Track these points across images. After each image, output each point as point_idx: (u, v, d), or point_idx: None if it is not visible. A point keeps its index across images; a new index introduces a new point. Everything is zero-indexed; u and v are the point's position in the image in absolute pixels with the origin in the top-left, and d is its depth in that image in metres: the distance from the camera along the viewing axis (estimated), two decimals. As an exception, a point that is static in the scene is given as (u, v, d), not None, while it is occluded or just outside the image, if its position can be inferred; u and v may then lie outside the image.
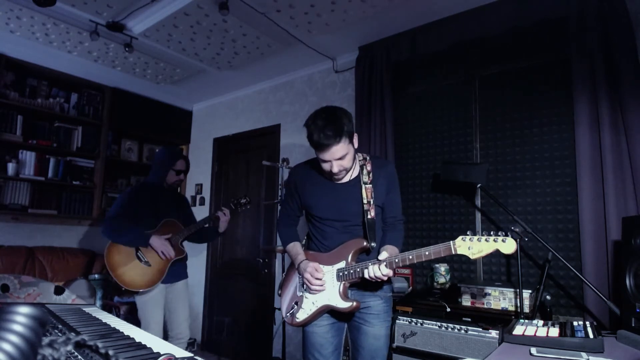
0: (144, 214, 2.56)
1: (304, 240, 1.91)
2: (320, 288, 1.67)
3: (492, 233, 1.39)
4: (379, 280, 1.57)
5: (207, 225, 2.73)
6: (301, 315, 1.72)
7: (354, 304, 1.62)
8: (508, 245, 1.36)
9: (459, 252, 1.43)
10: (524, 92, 2.54)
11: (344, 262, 1.66)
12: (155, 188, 2.68)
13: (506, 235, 1.37)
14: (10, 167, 3.51)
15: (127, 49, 3.13)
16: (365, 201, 1.69)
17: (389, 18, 2.81)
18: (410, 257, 1.51)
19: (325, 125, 1.55)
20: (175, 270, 2.62)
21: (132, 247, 2.51)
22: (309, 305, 1.71)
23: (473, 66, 2.76)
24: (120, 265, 2.48)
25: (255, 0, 2.58)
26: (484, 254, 1.39)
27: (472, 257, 1.41)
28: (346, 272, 1.64)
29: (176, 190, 2.84)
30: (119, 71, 3.78)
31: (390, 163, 1.88)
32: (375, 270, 1.53)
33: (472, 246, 1.40)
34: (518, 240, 2.06)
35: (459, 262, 2.69)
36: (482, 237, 1.39)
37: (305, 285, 1.72)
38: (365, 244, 1.66)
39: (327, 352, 1.73)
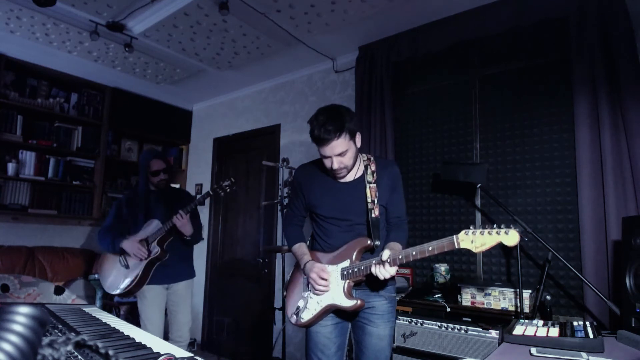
0: (134, 220, 2.58)
1: (309, 241, 1.91)
2: (325, 289, 1.67)
3: (494, 226, 1.38)
4: (386, 279, 1.57)
5: (172, 225, 2.52)
6: (306, 316, 1.72)
7: (358, 302, 1.63)
8: (511, 237, 1.34)
9: (462, 246, 1.41)
10: (524, 92, 2.54)
11: (348, 260, 1.67)
12: (143, 193, 2.67)
13: (508, 227, 1.36)
14: (10, 167, 3.51)
15: (127, 49, 3.13)
16: (369, 200, 1.70)
17: (389, 18, 2.81)
18: (414, 253, 1.50)
19: (326, 121, 1.57)
20: (173, 271, 2.60)
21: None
22: (314, 305, 1.71)
23: (473, 66, 2.76)
24: (106, 269, 2.62)
25: (255, 0, 2.58)
26: (487, 247, 1.38)
27: (475, 250, 1.39)
28: (350, 271, 1.64)
29: (166, 189, 2.74)
30: (119, 71, 3.78)
31: (395, 164, 1.88)
32: (383, 272, 1.53)
33: (475, 239, 1.39)
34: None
35: (459, 262, 2.69)
36: (485, 230, 1.38)
37: (310, 286, 1.72)
38: (369, 242, 1.66)
39: (330, 352, 1.74)
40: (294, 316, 1.75)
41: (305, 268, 1.73)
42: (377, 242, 1.67)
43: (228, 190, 2.50)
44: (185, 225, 2.50)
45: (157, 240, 2.51)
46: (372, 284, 1.70)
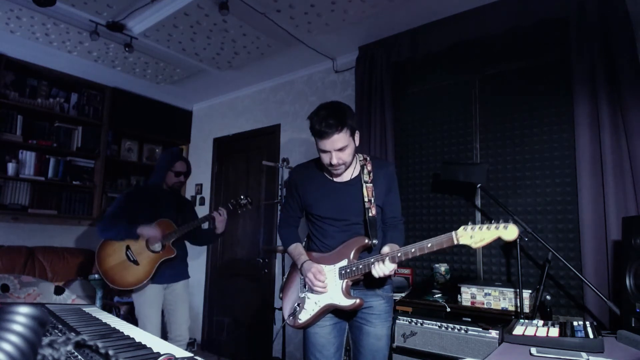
0: (141, 214, 2.55)
1: (304, 241, 1.91)
2: (322, 290, 1.66)
3: (492, 221, 1.39)
4: (384, 277, 1.57)
5: (202, 225, 2.67)
6: (304, 316, 1.71)
7: (357, 301, 1.62)
8: (510, 232, 1.35)
9: (461, 242, 1.42)
10: (524, 92, 2.54)
11: (346, 260, 1.66)
12: (155, 189, 2.68)
13: (507, 222, 1.37)
14: (10, 167, 3.51)
15: (127, 49, 3.13)
16: (366, 199, 1.70)
17: (389, 18, 2.81)
18: (413, 250, 1.50)
19: (327, 115, 1.58)
20: (173, 271, 2.62)
21: (122, 246, 2.53)
22: (312, 306, 1.70)
23: (473, 66, 2.76)
24: (109, 264, 2.53)
25: (255, 0, 2.58)
26: (486, 242, 1.39)
27: (474, 246, 1.40)
28: (348, 270, 1.64)
29: (178, 192, 2.81)
30: (119, 71, 3.78)
31: (391, 164, 1.88)
32: (382, 268, 1.53)
33: (474, 235, 1.40)
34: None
35: (459, 262, 2.69)
36: (484, 225, 1.39)
37: (307, 286, 1.72)
38: (367, 241, 1.66)
39: (329, 352, 1.73)
40: (291, 318, 1.74)
41: (302, 268, 1.72)
42: (374, 241, 1.67)
43: (244, 209, 2.69)
44: (223, 222, 2.66)
45: (172, 242, 2.55)
46: (370, 283, 1.70)
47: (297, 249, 1.82)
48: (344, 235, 1.72)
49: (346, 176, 1.76)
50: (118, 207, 2.57)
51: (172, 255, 2.54)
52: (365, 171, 1.74)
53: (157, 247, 2.54)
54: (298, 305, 1.75)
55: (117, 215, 2.53)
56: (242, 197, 2.72)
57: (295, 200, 1.86)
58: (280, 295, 1.89)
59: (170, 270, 2.59)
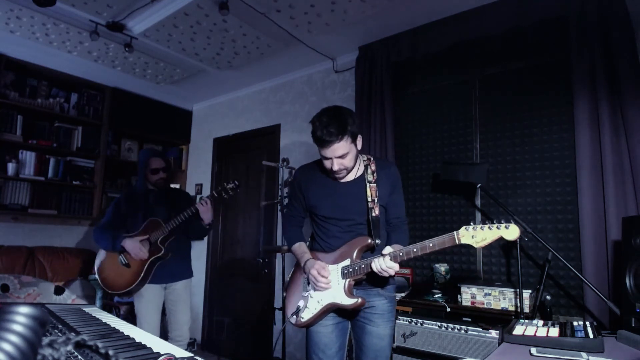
0: (133, 218, 2.56)
1: (308, 241, 1.92)
2: (326, 286, 1.67)
3: (494, 222, 1.41)
4: (386, 275, 1.57)
5: (186, 217, 2.52)
6: (306, 315, 1.72)
7: (359, 300, 1.63)
8: (511, 232, 1.37)
9: (462, 242, 1.44)
10: (524, 92, 2.54)
11: (349, 259, 1.67)
12: (142, 191, 2.68)
13: (508, 222, 1.39)
14: (10, 167, 3.51)
15: (127, 49, 3.13)
16: (369, 199, 1.71)
17: (389, 18, 2.81)
18: (415, 249, 1.52)
19: (329, 123, 1.58)
20: (171, 270, 2.60)
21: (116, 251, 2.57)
22: (314, 304, 1.71)
23: (473, 66, 2.76)
24: (105, 268, 2.59)
25: (255, 0, 2.58)
26: (488, 241, 1.41)
27: (476, 245, 1.42)
28: (351, 269, 1.65)
29: (167, 188, 2.76)
30: (119, 71, 3.77)
31: (394, 165, 1.89)
32: (380, 263, 1.54)
33: (476, 235, 1.42)
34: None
35: (459, 262, 2.69)
36: (485, 225, 1.42)
37: (310, 285, 1.73)
38: (370, 241, 1.67)
39: (331, 352, 1.74)
40: (294, 316, 1.74)
41: (305, 266, 1.73)
42: (377, 241, 1.67)
43: (231, 193, 2.51)
44: (208, 212, 2.55)
45: (159, 240, 2.51)
46: (373, 282, 1.70)
47: (301, 247, 1.83)
48: (348, 235, 1.73)
49: (350, 176, 1.76)
50: (110, 216, 2.63)
51: (160, 254, 2.50)
52: (369, 171, 1.75)
53: (145, 246, 2.53)
54: (301, 304, 1.75)
55: (110, 225, 2.59)
56: (230, 181, 2.57)
57: (299, 201, 1.86)
58: (284, 294, 1.90)
59: (169, 269, 2.58)
